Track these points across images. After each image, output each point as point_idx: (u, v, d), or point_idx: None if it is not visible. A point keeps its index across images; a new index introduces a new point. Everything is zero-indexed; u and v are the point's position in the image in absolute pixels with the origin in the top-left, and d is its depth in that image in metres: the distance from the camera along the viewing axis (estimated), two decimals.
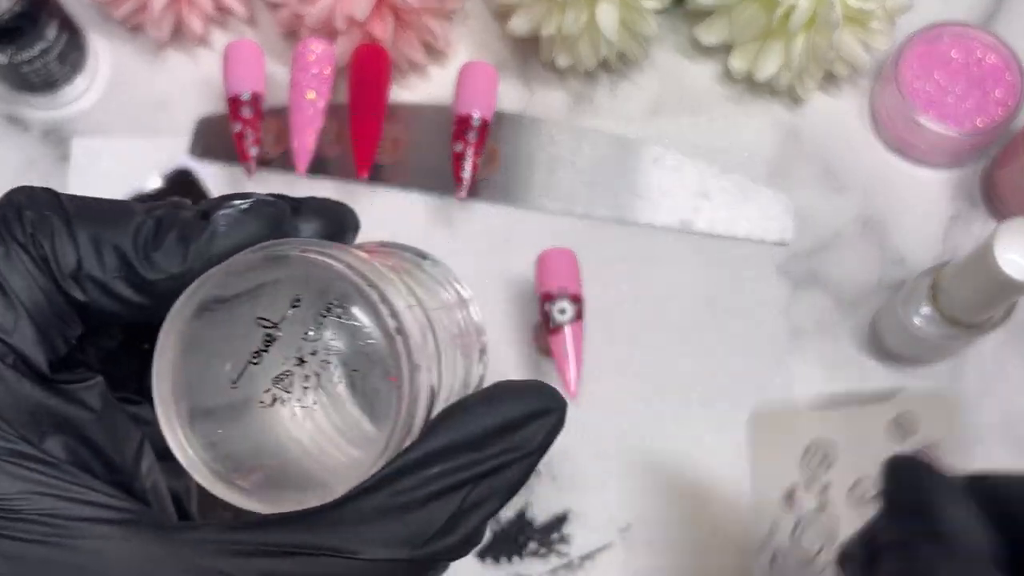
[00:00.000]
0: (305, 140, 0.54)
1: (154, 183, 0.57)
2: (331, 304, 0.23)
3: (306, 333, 0.23)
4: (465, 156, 0.53)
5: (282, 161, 0.58)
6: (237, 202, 0.25)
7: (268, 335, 0.23)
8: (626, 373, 0.55)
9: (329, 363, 0.23)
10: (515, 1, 0.56)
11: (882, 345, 0.55)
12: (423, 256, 0.31)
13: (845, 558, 0.34)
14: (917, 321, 0.51)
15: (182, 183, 0.57)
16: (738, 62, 0.59)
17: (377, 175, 0.57)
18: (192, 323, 0.23)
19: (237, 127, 0.54)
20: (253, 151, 0.53)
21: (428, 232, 0.57)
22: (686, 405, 0.54)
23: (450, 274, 0.31)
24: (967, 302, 0.48)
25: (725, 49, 0.60)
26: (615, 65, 0.60)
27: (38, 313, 0.24)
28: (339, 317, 0.23)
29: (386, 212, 0.57)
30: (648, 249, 0.57)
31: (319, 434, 0.23)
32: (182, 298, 0.23)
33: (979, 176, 0.59)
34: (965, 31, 0.58)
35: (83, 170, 0.58)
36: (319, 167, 0.57)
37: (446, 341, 0.26)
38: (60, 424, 0.24)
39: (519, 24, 0.57)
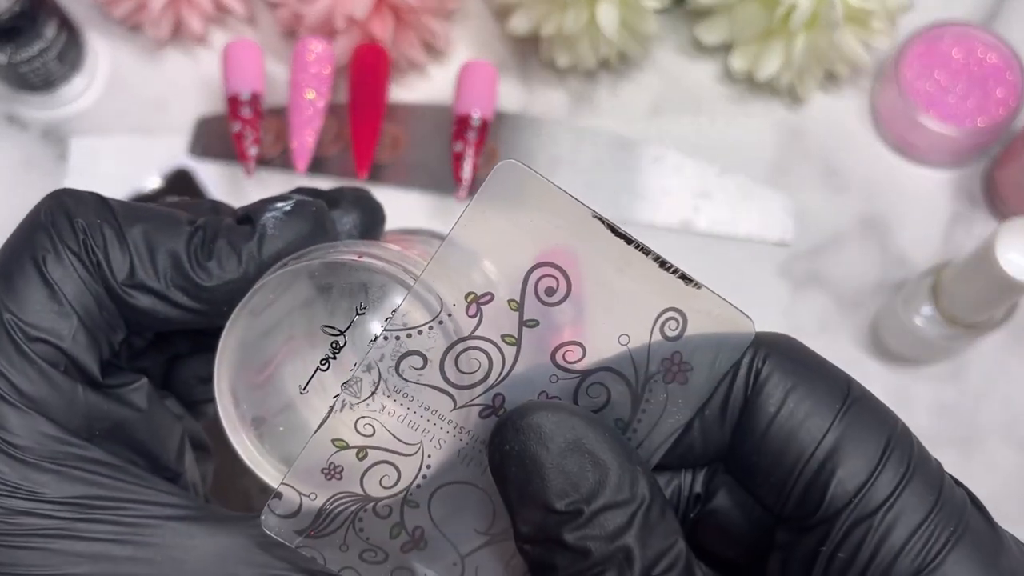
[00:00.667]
0: (305, 139, 0.54)
1: (153, 182, 0.57)
2: (393, 312, 0.23)
3: (373, 338, 0.23)
4: (465, 156, 0.53)
5: (282, 160, 0.57)
6: (279, 204, 0.26)
7: (335, 343, 0.23)
8: None
9: (394, 367, 0.23)
10: (515, 1, 0.56)
11: (883, 345, 0.55)
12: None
13: None
14: (918, 321, 0.51)
15: (181, 182, 0.57)
16: (739, 62, 0.58)
17: (377, 174, 0.57)
18: (251, 327, 0.24)
19: (236, 127, 0.53)
20: (252, 151, 0.53)
21: None
22: None
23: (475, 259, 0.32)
24: (968, 302, 0.48)
25: (726, 49, 0.60)
26: (615, 65, 0.60)
27: (89, 319, 0.24)
28: (403, 324, 0.23)
29: (386, 211, 0.57)
30: None
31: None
32: (240, 304, 0.24)
33: (980, 176, 0.59)
34: (966, 31, 0.58)
35: (82, 170, 0.58)
36: (319, 166, 0.57)
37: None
38: (113, 426, 0.24)
39: (519, 23, 0.57)
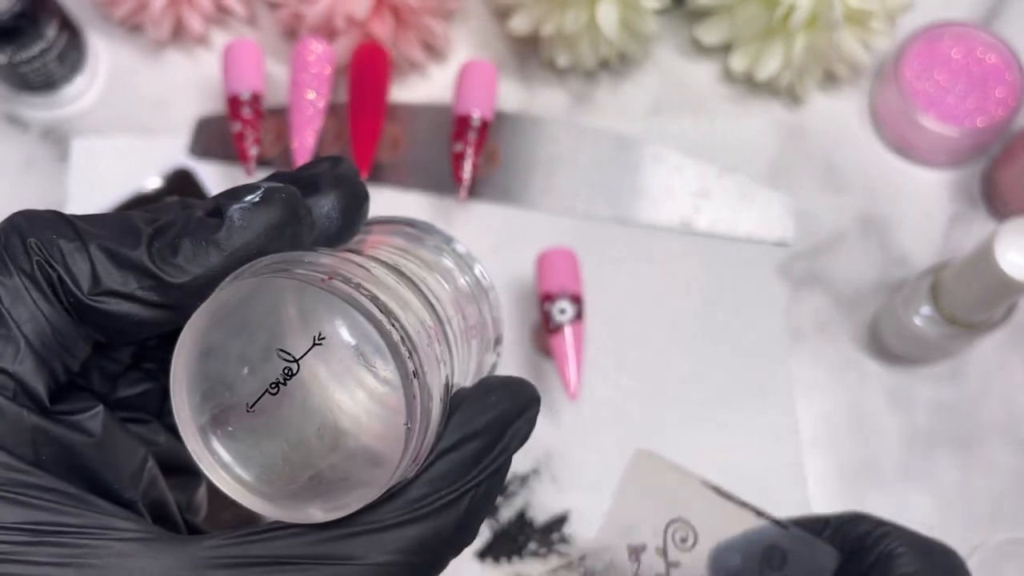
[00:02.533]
0: (305, 139, 0.54)
1: (154, 183, 0.57)
2: (354, 347, 0.23)
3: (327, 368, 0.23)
4: (465, 156, 0.53)
5: (282, 160, 0.57)
6: (248, 196, 0.25)
7: (288, 369, 0.23)
8: (626, 373, 0.55)
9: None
10: (515, 1, 0.56)
11: (882, 345, 0.55)
12: (448, 240, 0.31)
13: None
14: (918, 321, 0.51)
15: (182, 182, 0.57)
16: (738, 62, 0.59)
17: (377, 175, 0.57)
18: (209, 333, 0.23)
19: (237, 127, 0.54)
20: (253, 151, 0.53)
21: None
22: (686, 405, 0.54)
23: (473, 261, 0.31)
24: (968, 302, 0.48)
25: (725, 49, 0.60)
26: (615, 65, 0.60)
27: (40, 343, 0.24)
28: (360, 359, 0.23)
29: (386, 212, 0.57)
30: (649, 249, 0.57)
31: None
32: (199, 309, 0.23)
33: (979, 176, 0.59)
34: (966, 31, 0.58)
35: (82, 170, 0.58)
36: None
37: (460, 333, 0.26)
38: (60, 451, 0.24)
39: (519, 23, 0.57)
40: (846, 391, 0.55)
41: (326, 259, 0.24)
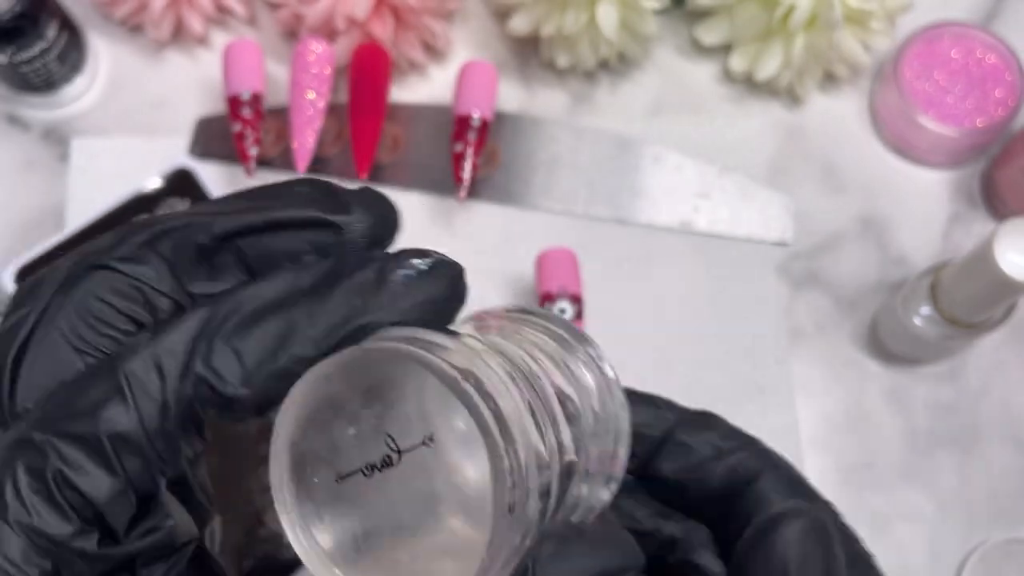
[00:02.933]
0: (305, 140, 0.54)
1: (154, 183, 0.57)
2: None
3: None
4: (465, 156, 0.53)
5: (282, 161, 0.58)
6: (416, 261, 0.23)
7: (388, 457, 0.22)
8: (625, 373, 0.54)
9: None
10: (515, 1, 0.56)
11: (882, 345, 0.55)
12: (600, 358, 0.28)
13: None
14: (917, 321, 0.51)
15: (182, 182, 0.57)
16: (738, 62, 0.59)
17: (377, 175, 0.57)
18: (331, 382, 0.22)
19: (237, 127, 0.54)
20: (253, 151, 0.53)
21: (428, 232, 0.57)
22: (685, 405, 0.54)
23: (615, 385, 0.28)
24: (967, 302, 0.48)
25: (725, 49, 0.60)
26: (615, 65, 0.60)
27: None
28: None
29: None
30: (648, 249, 0.57)
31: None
32: (335, 356, 0.22)
33: (979, 176, 0.59)
34: (965, 31, 0.58)
35: (83, 170, 0.58)
36: (319, 167, 0.57)
37: (581, 463, 0.24)
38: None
39: (519, 24, 0.57)
40: (846, 391, 0.55)
41: (464, 350, 0.23)
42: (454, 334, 0.23)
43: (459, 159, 0.53)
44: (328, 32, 0.56)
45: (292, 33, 0.60)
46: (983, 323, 0.50)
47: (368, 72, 0.55)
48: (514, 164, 0.58)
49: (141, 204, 0.56)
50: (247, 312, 0.21)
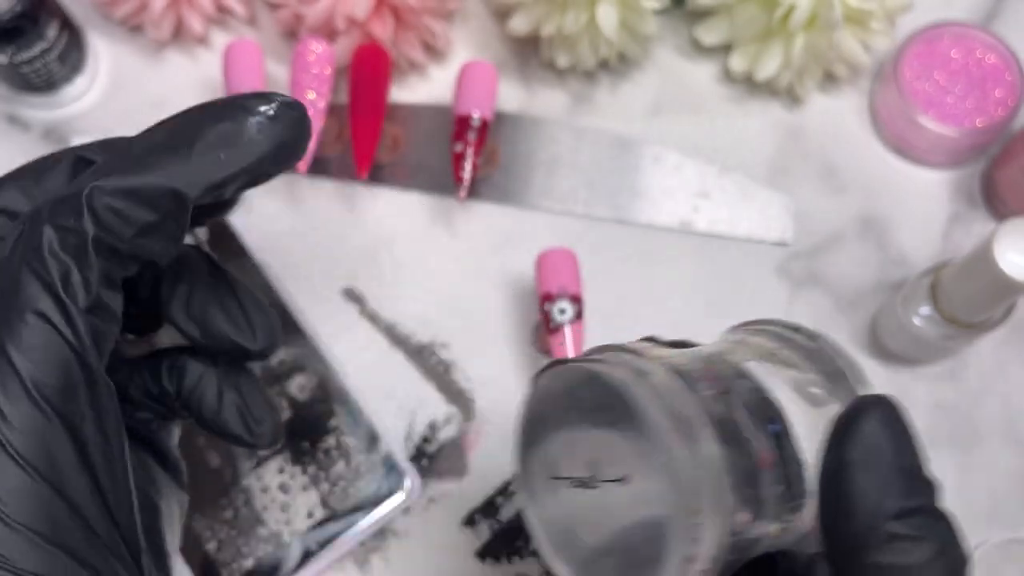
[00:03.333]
0: None
1: None
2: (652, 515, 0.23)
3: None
4: (465, 156, 0.53)
5: None
6: (263, 107, 0.25)
7: (588, 479, 0.24)
8: None
9: None
10: (515, 1, 0.56)
11: (882, 345, 0.55)
12: (854, 391, 0.28)
13: None
14: (917, 321, 0.51)
15: None
16: (738, 62, 0.59)
17: (377, 175, 0.57)
18: (576, 390, 0.24)
19: None
20: None
21: (428, 232, 0.57)
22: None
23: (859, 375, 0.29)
24: (967, 302, 0.48)
25: (725, 49, 0.60)
26: (615, 65, 0.60)
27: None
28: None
29: (386, 212, 0.57)
30: (648, 249, 0.57)
31: None
32: (587, 366, 0.24)
33: (979, 176, 0.59)
34: (965, 31, 0.58)
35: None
36: (319, 167, 0.57)
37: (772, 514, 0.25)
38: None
39: (519, 24, 0.57)
40: None
41: (690, 399, 0.24)
42: (690, 381, 0.24)
43: (459, 159, 0.54)
44: (328, 32, 0.56)
45: (292, 33, 0.60)
46: (983, 323, 0.50)
47: (368, 72, 0.55)
48: (514, 164, 0.58)
49: None
50: (131, 158, 0.25)
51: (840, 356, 0.28)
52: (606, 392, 0.23)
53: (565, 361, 0.26)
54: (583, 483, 0.24)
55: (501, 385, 0.54)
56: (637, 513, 0.23)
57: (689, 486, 0.22)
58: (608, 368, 0.24)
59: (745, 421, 0.25)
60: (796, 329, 0.28)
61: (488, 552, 0.51)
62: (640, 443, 0.23)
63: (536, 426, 0.25)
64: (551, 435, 0.25)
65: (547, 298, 0.51)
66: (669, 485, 0.22)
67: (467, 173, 0.53)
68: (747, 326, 0.29)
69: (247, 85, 0.54)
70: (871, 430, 0.24)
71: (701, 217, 0.57)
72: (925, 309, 0.51)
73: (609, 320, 0.55)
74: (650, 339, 0.28)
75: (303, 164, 0.54)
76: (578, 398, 0.24)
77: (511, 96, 0.60)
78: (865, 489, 0.24)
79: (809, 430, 0.26)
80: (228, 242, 0.56)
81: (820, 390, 0.28)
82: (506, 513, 0.52)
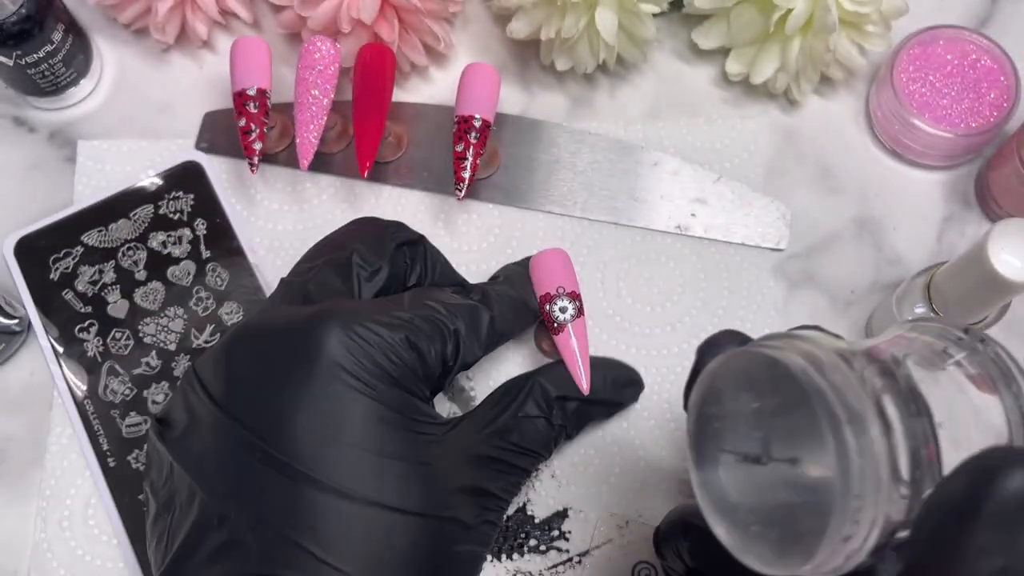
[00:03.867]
0: (309, 137, 0.54)
1: (154, 183, 0.58)
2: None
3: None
4: (466, 156, 0.54)
5: (286, 157, 0.58)
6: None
7: (758, 456, 0.26)
8: None
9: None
10: (515, 5, 0.57)
11: None
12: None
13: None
14: None
15: (190, 176, 0.58)
16: (735, 65, 0.59)
17: (378, 174, 0.58)
18: (754, 368, 0.27)
19: (242, 122, 0.54)
20: (257, 146, 0.54)
21: (428, 231, 0.57)
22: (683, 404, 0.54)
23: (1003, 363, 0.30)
24: (962, 302, 0.49)
25: (722, 52, 0.61)
26: (614, 68, 0.61)
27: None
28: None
29: (387, 211, 0.58)
30: (646, 251, 0.57)
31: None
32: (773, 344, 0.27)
33: (973, 177, 0.60)
34: (960, 34, 0.59)
35: (88, 171, 0.58)
36: (322, 164, 0.58)
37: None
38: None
39: (519, 27, 0.57)
40: None
41: (856, 387, 0.26)
42: (850, 362, 0.26)
43: (460, 159, 0.54)
44: (331, 34, 0.57)
45: (295, 35, 0.60)
46: (977, 323, 0.50)
47: (372, 71, 0.55)
48: (514, 165, 0.59)
49: (138, 196, 0.57)
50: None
51: (1013, 361, 0.30)
52: (783, 378, 0.25)
53: (743, 347, 0.28)
54: (754, 459, 0.26)
55: None
56: (801, 490, 0.25)
57: (857, 474, 0.24)
58: (787, 356, 0.26)
59: (905, 413, 0.26)
60: (965, 331, 0.30)
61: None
62: (812, 428, 0.25)
63: (710, 400, 0.28)
64: (724, 410, 0.28)
65: (546, 299, 0.51)
66: (838, 471, 0.24)
67: (468, 173, 0.54)
68: (915, 323, 0.31)
69: (253, 80, 0.54)
70: (1015, 489, 0.23)
71: (698, 222, 0.58)
72: (920, 309, 0.51)
73: (608, 321, 0.56)
74: (817, 328, 0.30)
75: (305, 161, 0.54)
76: (754, 380, 0.27)
77: (511, 98, 0.61)
78: (980, 552, 0.22)
79: (964, 429, 0.28)
80: (228, 242, 0.56)
81: (982, 394, 0.29)
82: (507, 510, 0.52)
